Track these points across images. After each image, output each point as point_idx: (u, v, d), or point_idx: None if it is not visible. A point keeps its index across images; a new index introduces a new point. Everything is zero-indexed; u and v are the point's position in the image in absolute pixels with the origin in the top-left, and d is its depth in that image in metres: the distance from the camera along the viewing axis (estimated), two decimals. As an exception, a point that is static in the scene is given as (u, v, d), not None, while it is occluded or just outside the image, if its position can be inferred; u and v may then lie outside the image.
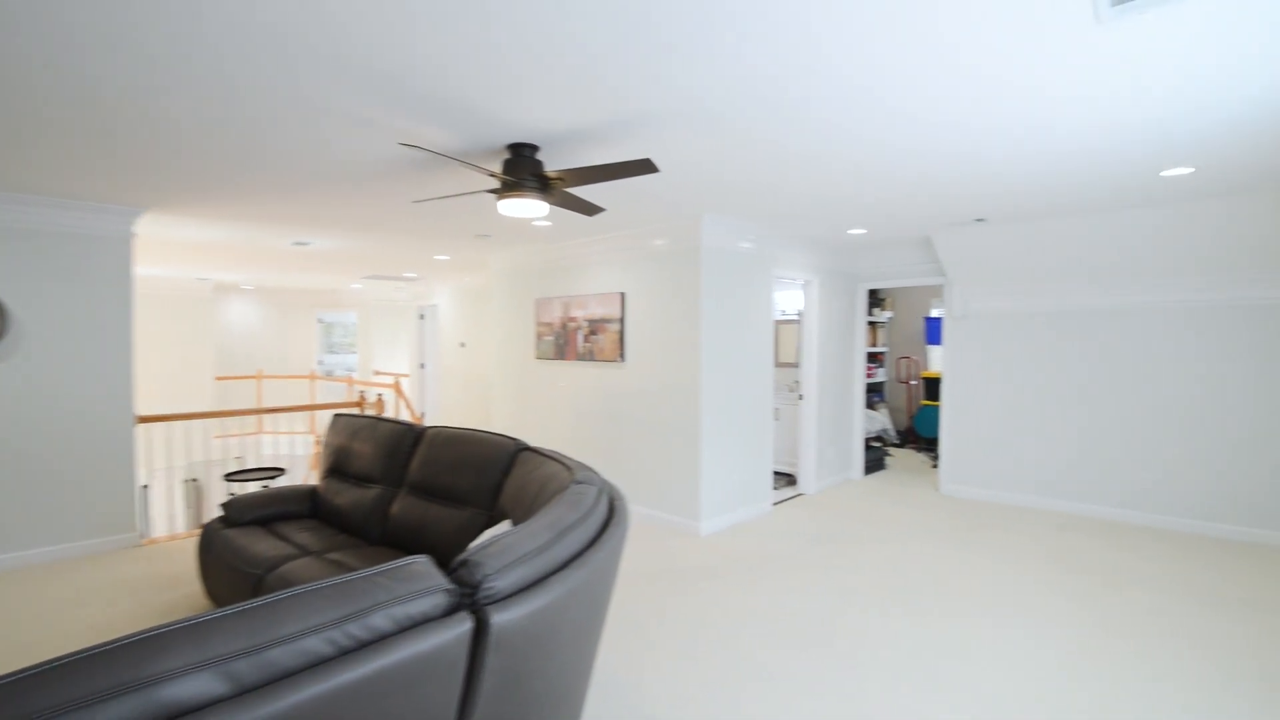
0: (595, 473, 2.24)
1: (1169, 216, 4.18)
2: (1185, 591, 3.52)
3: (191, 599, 3.45)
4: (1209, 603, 3.37)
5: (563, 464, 2.39)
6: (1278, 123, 2.61)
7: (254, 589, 2.78)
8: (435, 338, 9.53)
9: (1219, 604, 3.35)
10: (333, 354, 13.88)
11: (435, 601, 1.25)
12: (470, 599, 1.31)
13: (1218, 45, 1.94)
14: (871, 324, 8.16)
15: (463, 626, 1.24)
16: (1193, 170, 3.35)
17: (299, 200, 4.04)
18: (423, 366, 9.80)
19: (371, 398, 5.95)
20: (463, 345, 8.65)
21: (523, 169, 2.86)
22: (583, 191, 3.80)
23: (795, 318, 7.00)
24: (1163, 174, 3.41)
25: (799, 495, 5.81)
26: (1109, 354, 4.94)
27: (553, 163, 3.16)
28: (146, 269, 7.73)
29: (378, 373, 11.09)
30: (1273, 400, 4.31)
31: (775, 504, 5.47)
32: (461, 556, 1.38)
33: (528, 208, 2.91)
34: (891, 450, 7.96)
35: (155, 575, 3.82)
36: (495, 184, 3.37)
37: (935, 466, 6.88)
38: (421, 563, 1.32)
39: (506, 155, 2.95)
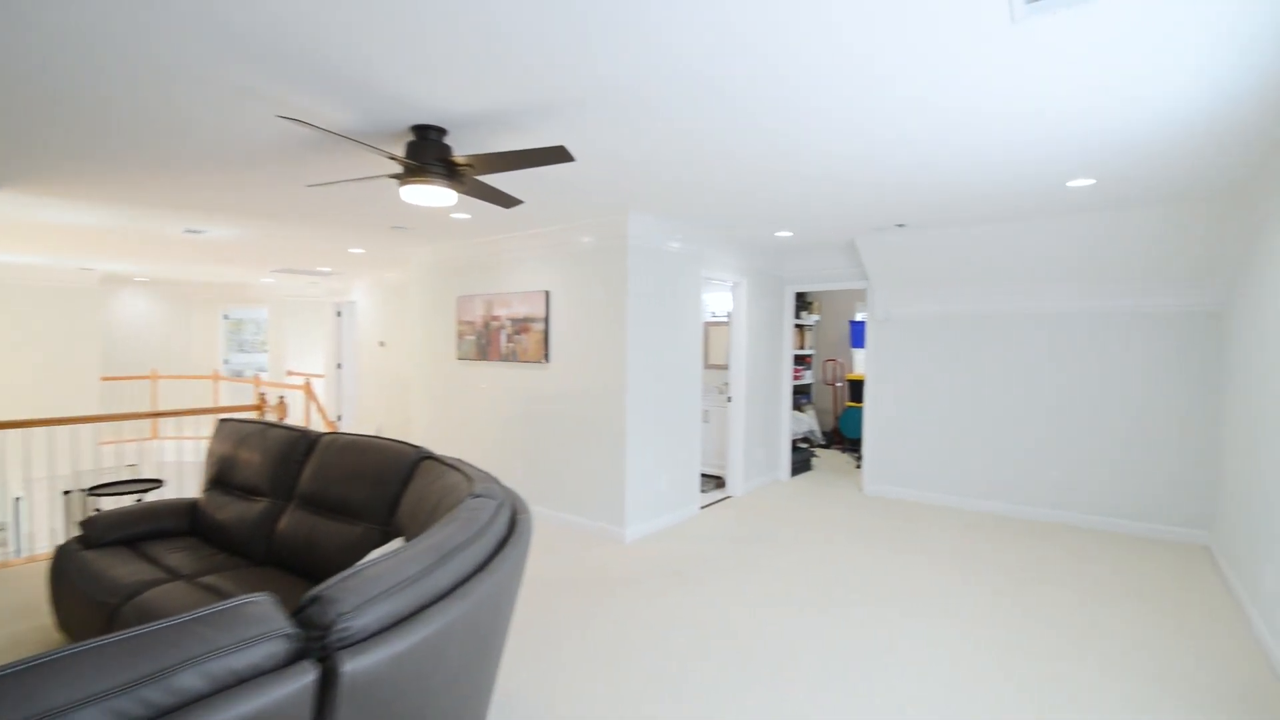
0: (497, 483, 2.06)
1: (1079, 225, 4.36)
2: (1095, 589, 3.65)
3: (42, 632, 3.03)
4: (1121, 599, 3.51)
5: (464, 474, 2.20)
6: (1169, 139, 2.72)
7: (109, 621, 2.44)
8: (353, 336, 9.01)
9: (1133, 601, 3.50)
10: (244, 353, 12.96)
11: (270, 650, 1.04)
12: (320, 643, 1.12)
13: (1120, 56, 1.97)
14: (799, 326, 8.27)
15: (304, 679, 1.04)
16: (1094, 182, 3.49)
17: (179, 182, 3.64)
18: (340, 367, 9.25)
19: (287, 399, 5.51)
20: (382, 344, 8.20)
21: (428, 153, 2.63)
22: (500, 182, 3.59)
23: (725, 320, 6.98)
24: (1069, 184, 3.54)
25: (727, 498, 5.77)
26: (1022, 358, 5.14)
27: (463, 149, 2.94)
28: (14, 256, 6.92)
29: (291, 373, 10.41)
30: (1170, 403, 4.58)
31: (703, 507, 5.41)
32: (312, 592, 1.18)
33: (434, 195, 2.69)
34: (818, 451, 8.09)
35: (2, 605, 3.34)
36: (398, 169, 3.12)
37: (859, 467, 7.03)
38: (259, 603, 1.11)
39: (411, 138, 2.72)
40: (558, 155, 2.45)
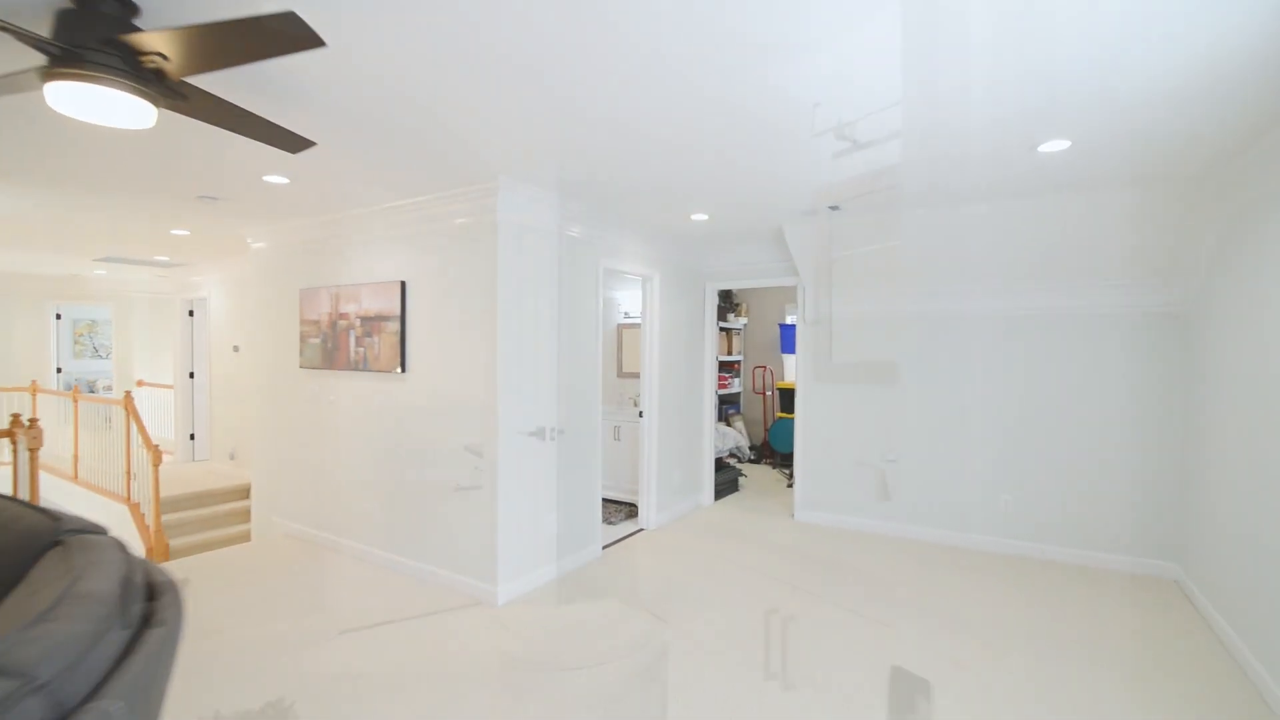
0: (87, 621, 1.05)
1: (1040, 209, 3.69)
2: (1074, 655, 2.94)
3: None
4: (1108, 671, 2.80)
5: (73, 590, 1.17)
6: (1142, 96, 2.02)
7: None
8: (207, 340, 7.59)
9: (1121, 674, 2.80)
10: (100, 359, 11.15)
11: None
12: None
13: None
14: (726, 330, 7.52)
15: None
16: (1069, 144, 2.80)
17: None
18: (192, 376, 7.79)
19: (42, 420, 4.20)
20: (236, 349, 6.86)
21: (91, 30, 1.59)
22: (276, 115, 2.53)
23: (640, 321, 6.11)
24: (1040, 149, 2.84)
25: (639, 531, 4.86)
26: (969, 366, 4.47)
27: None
28: None
29: (141, 383, 8.83)
30: (1132, 417, 4.00)
31: (608, 545, 4.48)
32: None
33: (108, 105, 1.65)
34: (745, 469, 7.33)
35: None
36: (41, 58, 2.03)
37: (790, 485, 6.29)
38: None
39: (66, 4, 1.67)
40: (290, 30, 1.46)
